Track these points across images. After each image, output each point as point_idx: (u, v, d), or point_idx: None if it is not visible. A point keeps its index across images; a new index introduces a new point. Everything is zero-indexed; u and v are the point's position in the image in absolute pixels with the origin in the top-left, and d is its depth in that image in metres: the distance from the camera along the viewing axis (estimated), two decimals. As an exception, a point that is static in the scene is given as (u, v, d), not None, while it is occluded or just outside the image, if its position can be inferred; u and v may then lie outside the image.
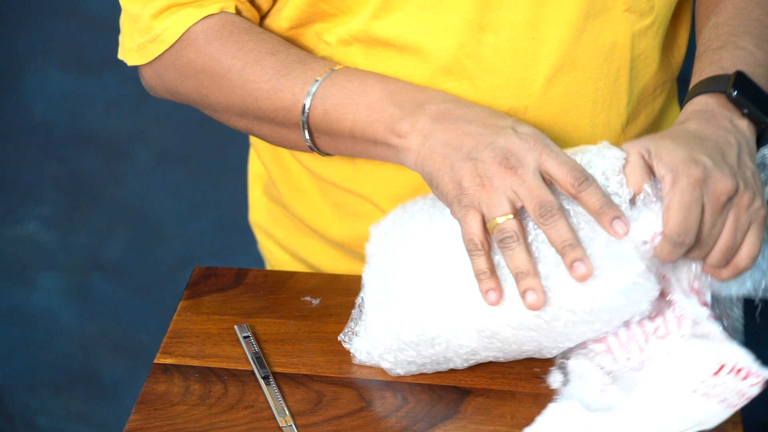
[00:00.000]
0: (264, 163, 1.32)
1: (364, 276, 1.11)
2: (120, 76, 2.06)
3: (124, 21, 1.18)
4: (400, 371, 1.08)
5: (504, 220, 1.00)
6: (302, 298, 1.19)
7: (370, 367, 1.10)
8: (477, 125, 1.05)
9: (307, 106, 1.11)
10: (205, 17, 1.14)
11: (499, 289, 1.01)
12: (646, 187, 1.02)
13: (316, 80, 1.10)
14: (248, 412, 1.06)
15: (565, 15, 1.12)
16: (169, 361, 1.12)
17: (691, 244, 1.01)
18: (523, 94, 1.14)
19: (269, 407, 1.06)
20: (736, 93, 1.07)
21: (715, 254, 1.03)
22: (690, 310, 1.03)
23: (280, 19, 1.18)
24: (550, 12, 1.12)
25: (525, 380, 1.09)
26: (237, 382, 1.09)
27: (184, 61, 1.16)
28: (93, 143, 2.15)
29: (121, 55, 1.20)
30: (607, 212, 1.00)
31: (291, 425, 1.04)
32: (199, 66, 1.15)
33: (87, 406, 2.29)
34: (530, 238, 1.02)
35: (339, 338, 1.11)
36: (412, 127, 1.06)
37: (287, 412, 1.05)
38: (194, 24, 1.14)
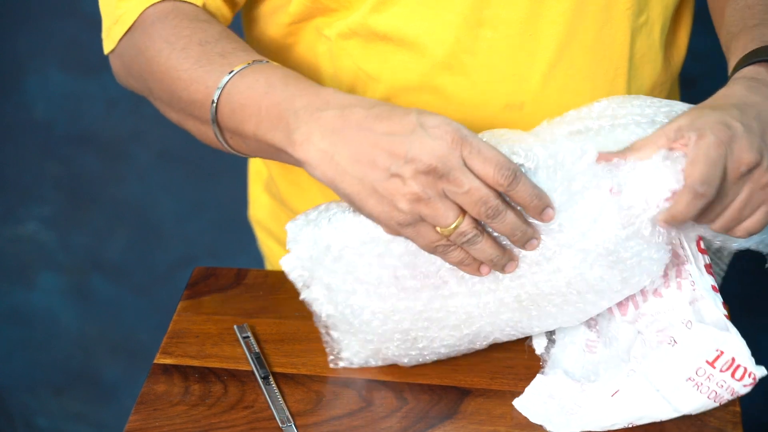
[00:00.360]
0: (264, 159, 1.32)
1: (311, 301, 1.08)
2: (120, 76, 2.05)
3: (101, 8, 1.18)
4: (413, 362, 1.09)
5: (457, 223, 0.97)
6: (302, 298, 1.19)
7: (370, 367, 1.10)
8: (381, 129, 0.97)
9: (215, 102, 1.05)
10: (161, 0, 1.12)
11: (486, 263, 1.00)
12: (660, 154, 1.00)
13: (229, 73, 1.05)
14: (248, 412, 1.06)
15: (563, 12, 1.12)
16: (168, 361, 1.11)
17: (711, 200, 0.99)
18: (520, 91, 1.14)
19: (269, 407, 1.06)
20: None
21: (718, 222, 1.01)
22: (697, 279, 1.03)
23: (284, 14, 1.18)
24: (547, 9, 1.12)
25: (525, 380, 1.09)
26: (237, 382, 1.09)
27: (133, 42, 1.13)
28: (93, 143, 2.15)
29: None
30: (538, 204, 0.98)
31: (291, 425, 1.04)
32: (140, 47, 1.12)
33: (87, 406, 2.29)
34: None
35: (331, 366, 1.10)
36: (306, 138, 0.99)
37: (287, 412, 1.05)
38: (150, 6, 1.12)
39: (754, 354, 1.00)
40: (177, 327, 1.15)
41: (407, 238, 0.99)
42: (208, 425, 1.04)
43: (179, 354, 1.12)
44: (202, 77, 1.06)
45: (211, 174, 2.16)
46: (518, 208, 0.99)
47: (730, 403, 1.05)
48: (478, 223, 0.98)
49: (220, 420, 1.05)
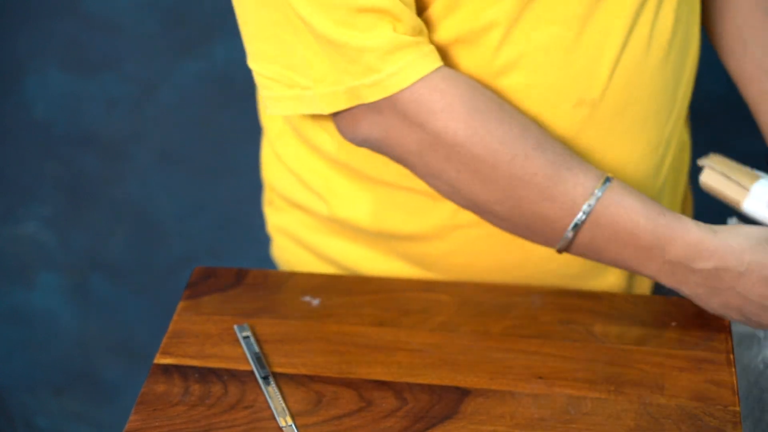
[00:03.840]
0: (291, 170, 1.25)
1: None
2: (120, 76, 2.05)
3: (318, 52, 1.03)
4: None
5: None
6: (302, 298, 1.19)
7: (369, 367, 1.10)
8: (755, 295, 1.06)
9: (570, 235, 1.07)
10: (437, 69, 1.03)
11: None
12: None
13: (588, 204, 1.05)
14: (248, 412, 1.06)
15: (624, 7, 1.11)
16: (168, 361, 1.12)
17: None
18: (591, 86, 1.12)
19: (269, 407, 1.06)
20: None
21: None
22: None
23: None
24: (605, 5, 1.11)
25: (525, 380, 1.09)
26: (237, 382, 1.09)
27: (430, 126, 1.04)
28: (93, 143, 2.15)
29: (275, 93, 1.07)
30: None
31: (291, 425, 1.04)
32: (449, 138, 1.03)
33: (86, 406, 2.29)
34: None
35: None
36: (677, 284, 1.08)
37: (287, 412, 1.05)
38: (429, 74, 1.03)
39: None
40: (177, 327, 1.15)
41: None
42: (208, 425, 1.04)
43: (179, 354, 1.12)
44: (556, 198, 1.05)
45: (211, 174, 2.16)
46: None
47: (730, 402, 1.05)
48: None
49: (220, 420, 1.05)
